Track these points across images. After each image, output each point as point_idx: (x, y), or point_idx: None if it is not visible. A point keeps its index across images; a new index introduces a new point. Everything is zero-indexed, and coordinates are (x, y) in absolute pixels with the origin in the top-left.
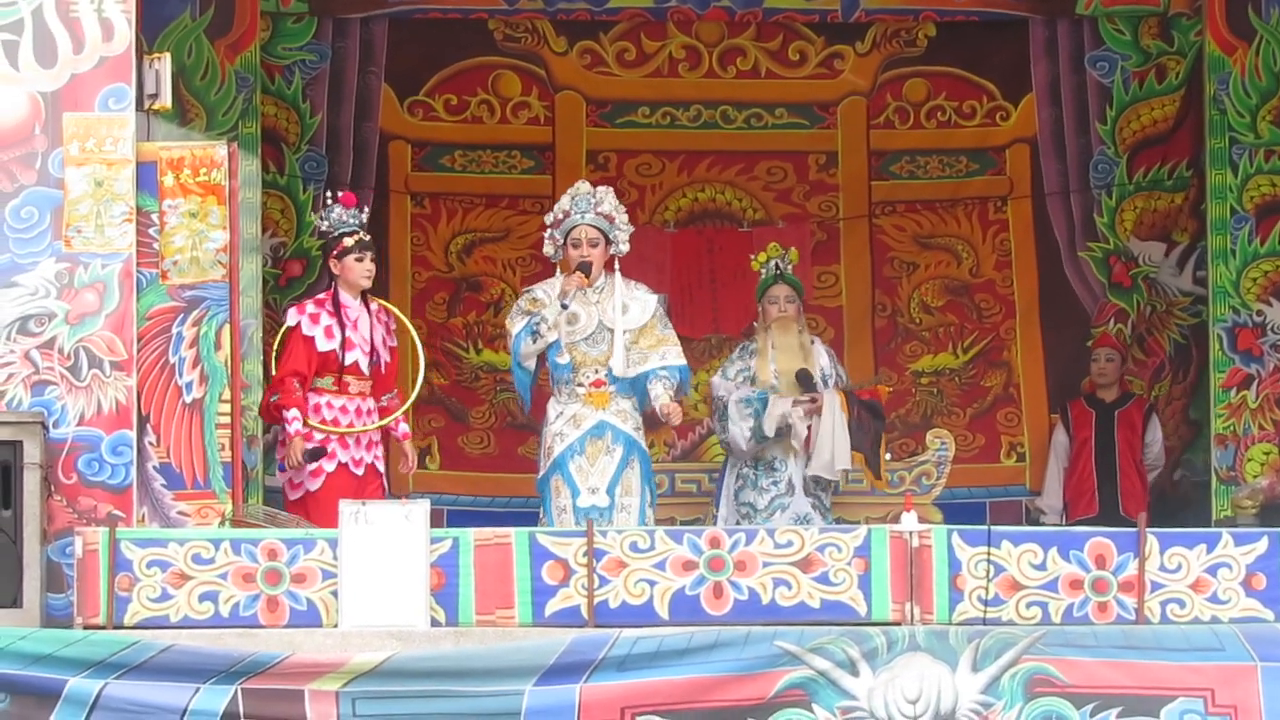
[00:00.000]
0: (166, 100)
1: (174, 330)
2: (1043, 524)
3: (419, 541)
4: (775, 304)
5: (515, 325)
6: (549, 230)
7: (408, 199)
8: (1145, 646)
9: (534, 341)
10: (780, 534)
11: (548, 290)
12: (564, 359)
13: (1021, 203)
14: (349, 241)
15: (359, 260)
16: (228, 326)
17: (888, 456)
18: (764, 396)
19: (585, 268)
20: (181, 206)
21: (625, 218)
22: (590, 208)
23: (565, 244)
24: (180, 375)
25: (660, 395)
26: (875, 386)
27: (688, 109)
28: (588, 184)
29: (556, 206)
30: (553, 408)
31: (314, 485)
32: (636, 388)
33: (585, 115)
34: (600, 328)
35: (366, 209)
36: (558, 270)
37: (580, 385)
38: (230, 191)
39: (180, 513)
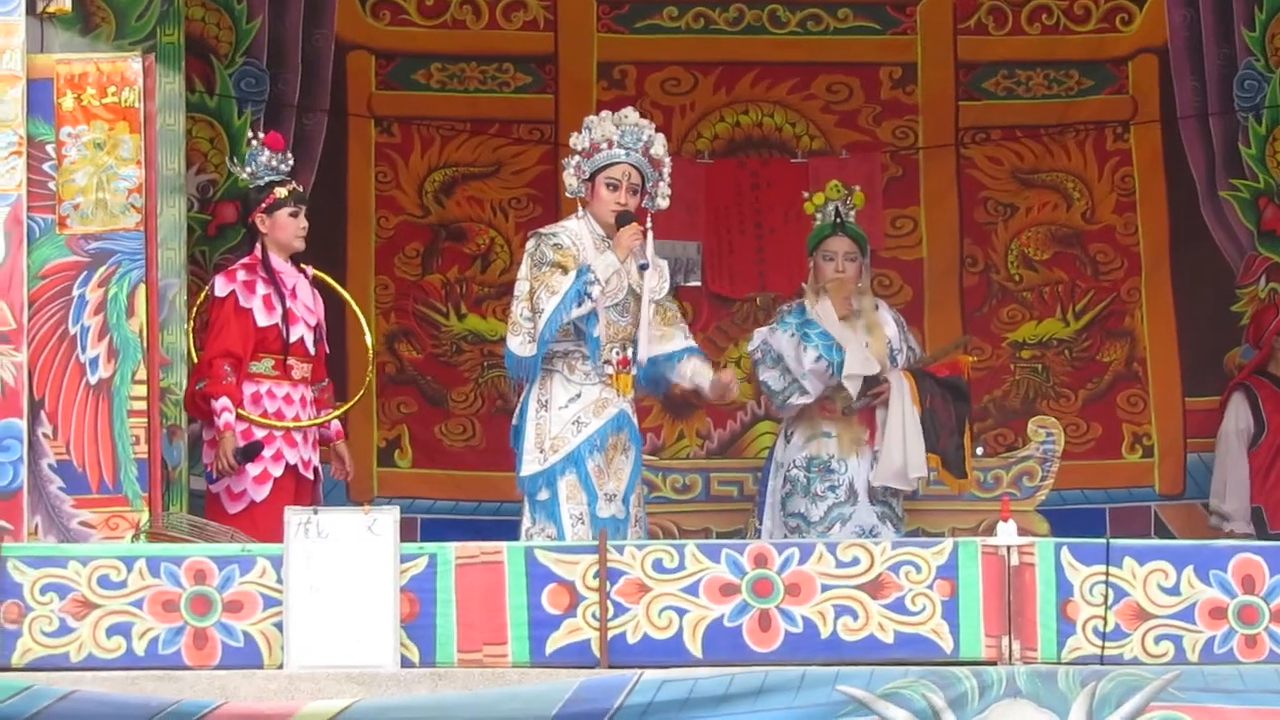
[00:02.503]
0: (65, 1)
1: (75, 292)
2: (1228, 534)
3: (386, 559)
4: (832, 261)
5: (555, 280)
6: (575, 158)
7: (371, 124)
8: None
9: (579, 305)
10: (843, 550)
11: (575, 238)
12: (599, 331)
13: (1148, 129)
14: (282, 192)
15: (293, 216)
16: (143, 287)
17: (979, 451)
18: (842, 354)
19: (626, 218)
20: (84, 135)
21: (669, 167)
22: (639, 145)
23: (594, 181)
24: (83, 350)
25: (705, 370)
26: (955, 355)
27: (726, 9)
28: (636, 113)
29: (592, 130)
30: (561, 388)
31: (259, 494)
32: (647, 373)
33: (596, 18)
34: (629, 294)
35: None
36: (581, 209)
37: (608, 363)
38: (146, 116)
39: (83, 523)
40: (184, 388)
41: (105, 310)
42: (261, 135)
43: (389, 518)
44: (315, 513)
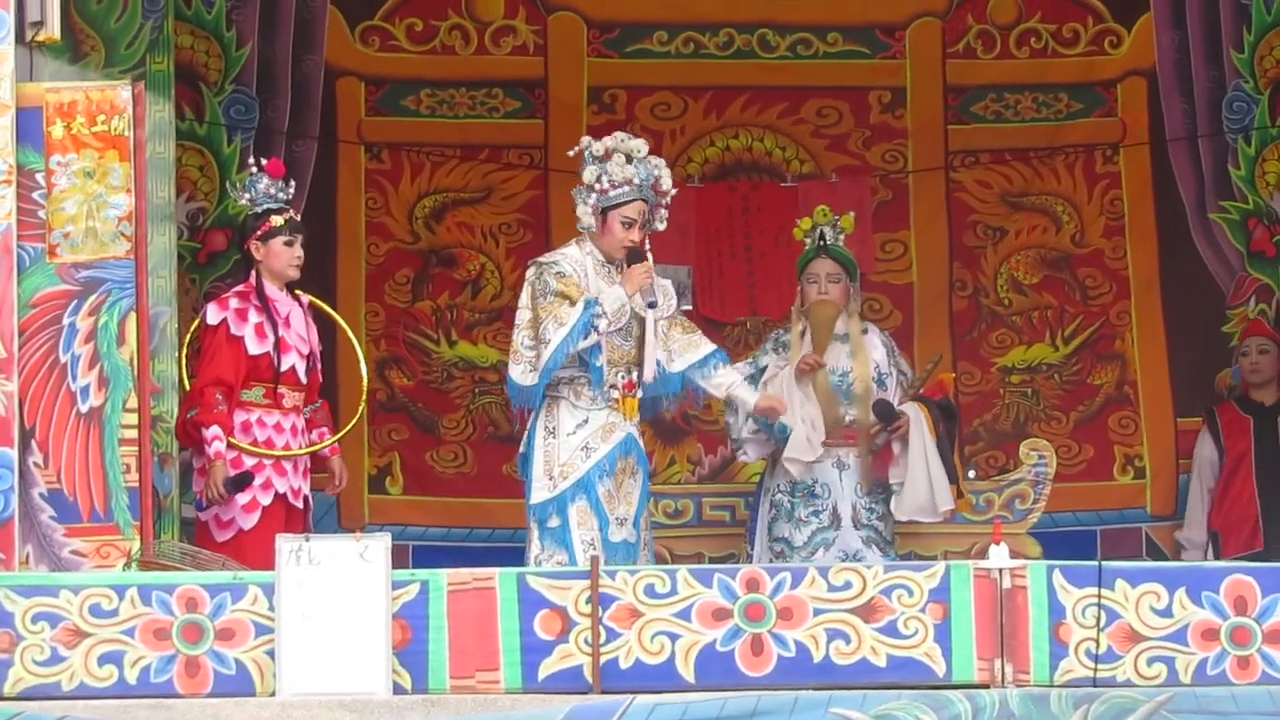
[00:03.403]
0: (55, 30)
1: (65, 321)
2: (1185, 560)
3: (378, 586)
4: (815, 283)
5: (563, 312)
6: (590, 194)
7: (361, 151)
8: None
9: (586, 338)
10: (836, 574)
11: (576, 266)
12: (602, 360)
13: (1137, 152)
14: (278, 220)
15: (288, 245)
16: (133, 315)
17: (971, 474)
18: (782, 429)
19: (637, 255)
20: (74, 164)
21: (672, 196)
22: (650, 181)
23: (606, 215)
24: (73, 378)
25: (746, 393)
26: (938, 375)
27: (716, 34)
28: (645, 144)
29: (609, 168)
30: (569, 414)
31: (247, 522)
32: (667, 385)
33: (586, 42)
34: (631, 317)
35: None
36: (586, 240)
37: (614, 388)
38: (135, 144)
39: (74, 552)
40: (175, 415)
41: (96, 339)
42: (264, 162)
43: (380, 545)
44: (307, 540)
